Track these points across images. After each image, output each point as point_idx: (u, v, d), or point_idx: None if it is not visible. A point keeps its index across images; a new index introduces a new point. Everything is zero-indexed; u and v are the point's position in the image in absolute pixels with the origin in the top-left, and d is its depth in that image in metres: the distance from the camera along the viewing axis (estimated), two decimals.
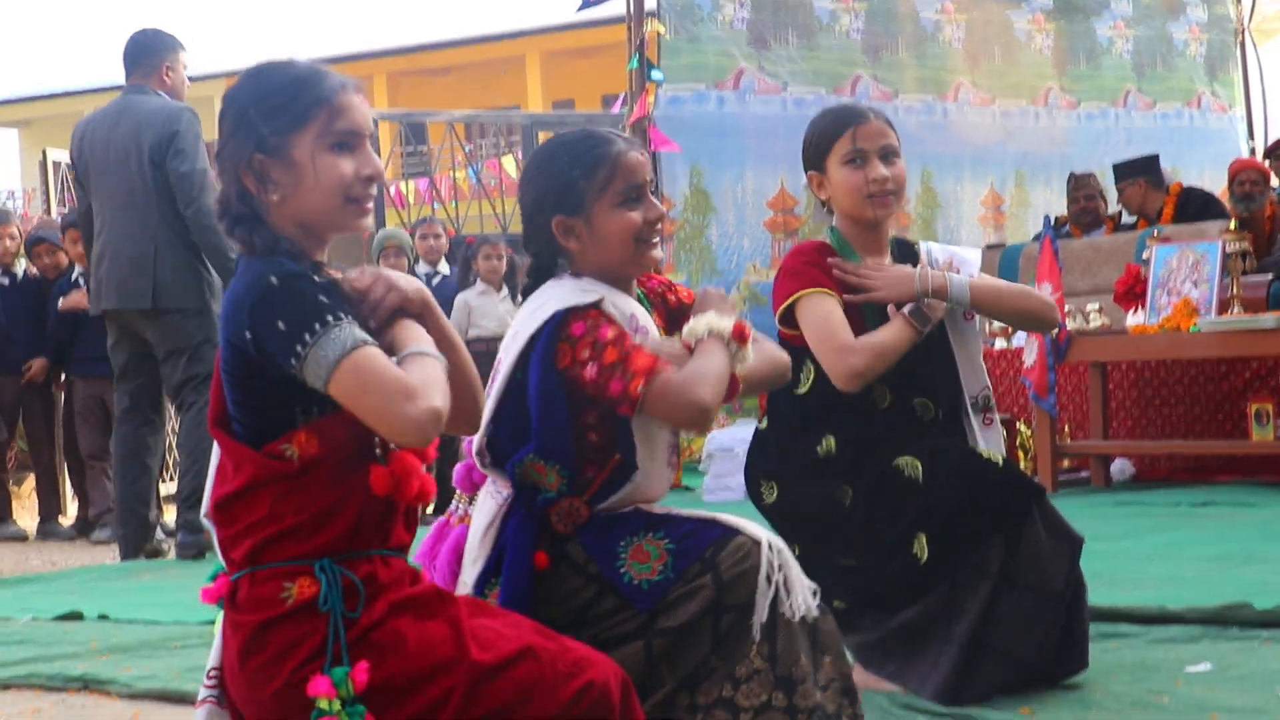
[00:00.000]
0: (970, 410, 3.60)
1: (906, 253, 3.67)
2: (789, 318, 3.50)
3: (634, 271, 2.78)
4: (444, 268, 9.34)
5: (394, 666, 2.14)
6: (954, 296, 3.50)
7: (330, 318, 2.11)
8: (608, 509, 2.67)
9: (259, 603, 2.16)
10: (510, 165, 17.10)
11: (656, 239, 2.75)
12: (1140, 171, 9.79)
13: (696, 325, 2.67)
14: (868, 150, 3.51)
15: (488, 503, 2.72)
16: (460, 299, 8.55)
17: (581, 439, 2.66)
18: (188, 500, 6.90)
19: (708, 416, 2.61)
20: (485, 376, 2.65)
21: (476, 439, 2.72)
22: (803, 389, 3.53)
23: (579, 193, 2.70)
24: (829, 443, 3.48)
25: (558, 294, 2.68)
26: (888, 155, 3.53)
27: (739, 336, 2.66)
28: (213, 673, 2.27)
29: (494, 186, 15.98)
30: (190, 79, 7.37)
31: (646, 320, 2.73)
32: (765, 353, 2.82)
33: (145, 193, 6.82)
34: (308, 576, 2.15)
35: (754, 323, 2.90)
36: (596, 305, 2.65)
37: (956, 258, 3.67)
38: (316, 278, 2.18)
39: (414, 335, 2.22)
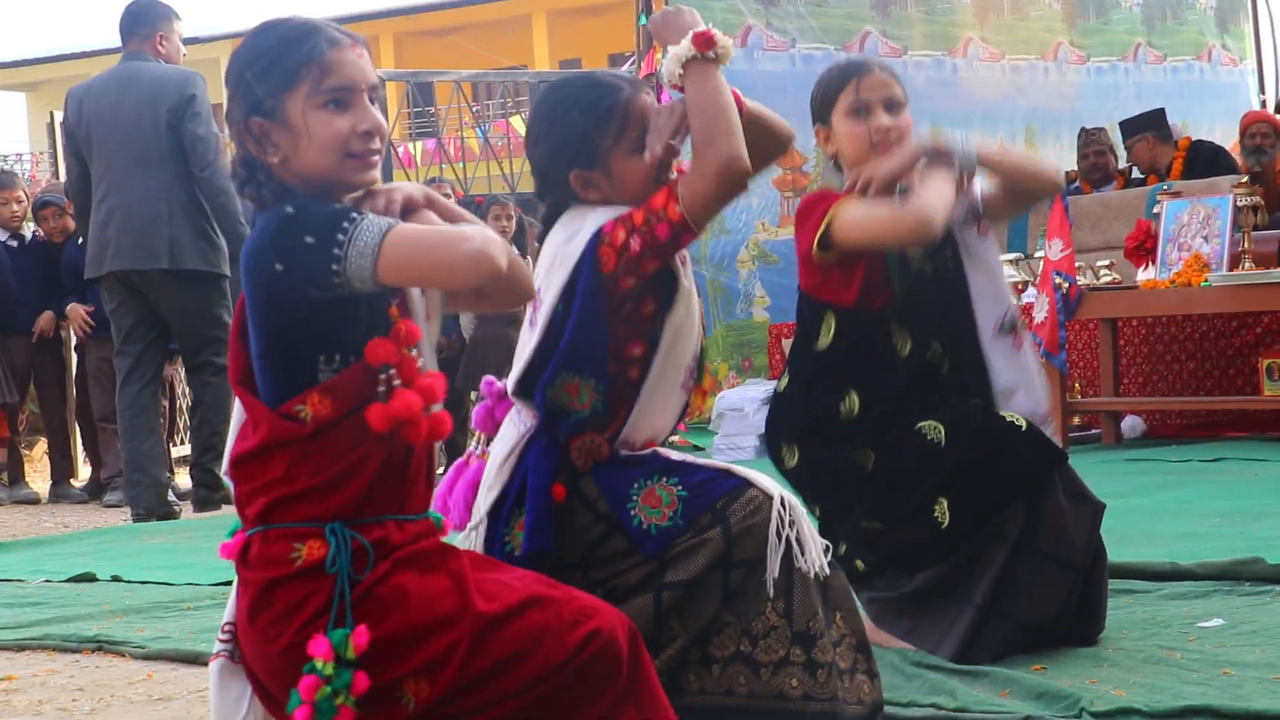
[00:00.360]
0: (997, 334, 3.53)
1: None
2: (826, 243, 3.36)
3: None
4: None
5: (397, 621, 2.14)
6: (961, 153, 3.40)
7: (353, 215, 2.14)
8: (624, 442, 2.66)
9: (268, 561, 2.17)
10: (519, 124, 17.04)
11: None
12: (1146, 126, 9.75)
13: (669, 67, 2.64)
14: (871, 100, 3.46)
15: (509, 431, 2.72)
16: None
17: (622, 374, 2.65)
18: (212, 455, 7.00)
19: (741, 163, 2.58)
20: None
21: (514, 373, 2.72)
22: (822, 343, 3.49)
23: (594, 146, 2.70)
24: (851, 400, 3.43)
25: (590, 219, 2.68)
26: (892, 105, 3.46)
27: (703, 43, 2.62)
28: (227, 627, 2.29)
29: (502, 147, 15.95)
30: (197, 40, 7.50)
31: None
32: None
33: (160, 156, 6.90)
34: (318, 539, 2.16)
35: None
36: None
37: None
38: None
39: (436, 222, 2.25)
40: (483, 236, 2.13)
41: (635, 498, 2.60)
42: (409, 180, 11.22)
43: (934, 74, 11.30)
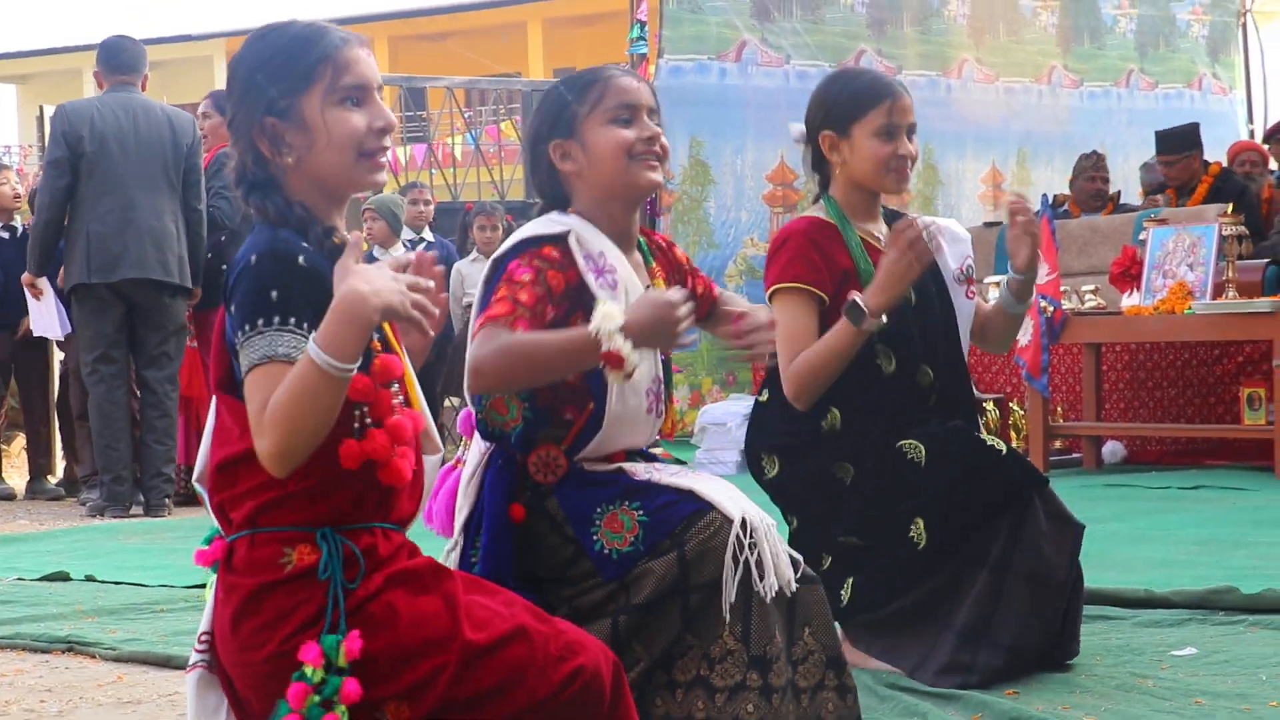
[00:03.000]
0: (953, 281, 3.58)
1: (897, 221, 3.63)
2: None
3: (632, 193, 2.76)
4: (428, 234, 9.58)
5: (386, 640, 2.12)
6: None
7: (266, 320, 2.09)
8: (586, 458, 2.66)
9: (257, 566, 2.13)
10: (510, 131, 17.02)
11: (655, 159, 2.73)
12: (1194, 144, 9.46)
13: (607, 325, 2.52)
14: (900, 126, 3.50)
15: (474, 451, 2.72)
16: (455, 267, 9.04)
17: (560, 381, 2.64)
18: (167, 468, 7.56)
19: (478, 381, 2.56)
20: None
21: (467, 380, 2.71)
22: None
23: (570, 114, 2.75)
24: (834, 416, 3.44)
25: (531, 226, 2.72)
26: (911, 132, 3.54)
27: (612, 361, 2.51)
28: (204, 637, 2.25)
29: (493, 154, 15.93)
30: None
31: (617, 258, 2.71)
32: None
33: (169, 183, 7.59)
34: (308, 544, 2.13)
35: (754, 298, 2.89)
36: (562, 238, 2.65)
37: (948, 231, 3.64)
38: (301, 260, 2.14)
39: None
40: (267, 445, 2.04)
41: (598, 522, 2.58)
42: (398, 184, 11.18)
43: (928, 94, 11.30)
